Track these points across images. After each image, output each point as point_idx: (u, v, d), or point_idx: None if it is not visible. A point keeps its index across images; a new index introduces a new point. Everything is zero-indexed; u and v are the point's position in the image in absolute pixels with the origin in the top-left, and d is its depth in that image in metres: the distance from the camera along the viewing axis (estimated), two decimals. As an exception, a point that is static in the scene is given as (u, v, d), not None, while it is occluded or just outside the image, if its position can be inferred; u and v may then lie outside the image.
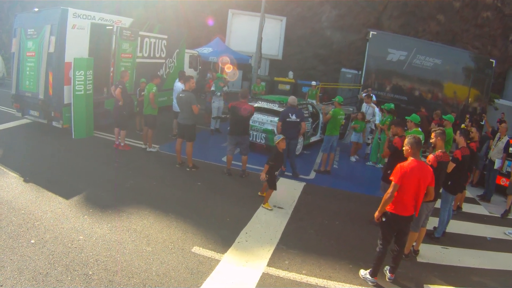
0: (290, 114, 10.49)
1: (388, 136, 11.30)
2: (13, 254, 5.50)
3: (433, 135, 7.07)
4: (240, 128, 10.13)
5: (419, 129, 9.66)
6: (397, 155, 7.86)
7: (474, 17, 24.57)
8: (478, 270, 7.09)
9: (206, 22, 25.61)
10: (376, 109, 14.36)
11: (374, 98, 17.02)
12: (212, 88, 14.96)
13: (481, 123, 17.03)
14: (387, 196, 5.72)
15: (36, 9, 12.31)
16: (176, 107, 12.28)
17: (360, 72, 22.97)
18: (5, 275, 5.01)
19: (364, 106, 14.63)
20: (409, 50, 21.62)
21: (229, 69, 19.20)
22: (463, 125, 15.02)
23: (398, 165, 5.79)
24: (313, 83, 20.27)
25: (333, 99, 12.51)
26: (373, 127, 14.25)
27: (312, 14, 25.75)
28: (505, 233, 9.05)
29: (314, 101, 17.46)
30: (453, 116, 11.72)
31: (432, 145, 7.24)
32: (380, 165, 12.99)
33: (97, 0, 23.40)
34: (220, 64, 21.04)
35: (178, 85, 12.27)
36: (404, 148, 6.09)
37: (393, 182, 5.69)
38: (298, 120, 10.54)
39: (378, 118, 14.05)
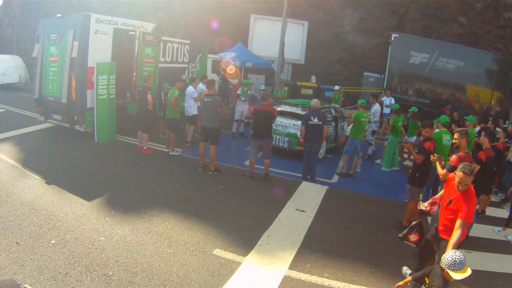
0: (312, 117, 10.34)
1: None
2: (33, 253, 5.49)
3: (457, 135, 6.88)
4: (263, 131, 10.03)
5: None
6: (428, 159, 7.72)
7: (496, 18, 24.09)
8: (501, 275, 6.84)
9: (227, 27, 25.65)
10: (377, 106, 14.31)
11: (393, 101, 16.87)
12: (238, 92, 15.04)
13: (504, 125, 16.63)
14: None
15: (59, 15, 12.49)
16: (188, 112, 12.32)
17: (382, 76, 22.75)
18: (25, 274, 5.00)
19: (373, 108, 14.47)
20: (432, 52, 21.33)
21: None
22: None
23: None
24: (336, 87, 20.15)
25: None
26: (375, 128, 14.15)
27: (333, 18, 25.61)
28: (494, 231, 8.73)
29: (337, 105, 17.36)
30: (476, 118, 11.48)
31: (455, 146, 7.05)
32: (393, 168, 12.80)
33: (118, 6, 23.71)
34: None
35: (191, 89, 12.30)
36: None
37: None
38: (320, 123, 10.35)
39: (377, 115, 14.08)
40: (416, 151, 8.14)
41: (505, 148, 9.81)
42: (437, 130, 9.82)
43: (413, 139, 12.87)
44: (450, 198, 5.22)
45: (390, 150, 12.64)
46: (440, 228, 5.48)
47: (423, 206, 6.26)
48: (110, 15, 12.96)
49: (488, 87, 21.74)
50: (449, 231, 5.08)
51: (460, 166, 5.02)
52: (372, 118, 13.95)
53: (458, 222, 4.98)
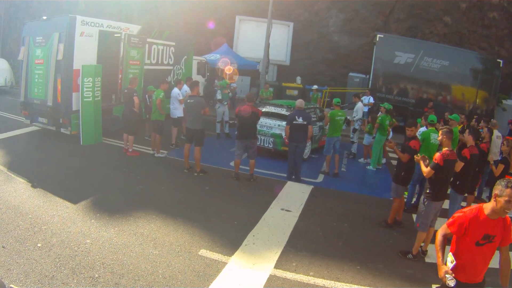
0: (297, 117, 10.44)
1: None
2: (19, 257, 5.51)
3: (440, 133, 7.01)
4: (248, 132, 10.12)
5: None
6: (413, 157, 7.86)
7: (480, 18, 24.39)
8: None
9: (214, 29, 25.68)
10: (360, 104, 14.54)
11: (372, 100, 17.06)
12: (219, 97, 15.03)
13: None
14: None
15: (45, 17, 12.46)
16: (173, 114, 12.37)
17: (368, 76, 22.91)
18: (11, 278, 5.02)
19: (356, 106, 14.69)
20: (416, 52, 21.48)
21: (229, 71, 19.23)
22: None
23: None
24: (315, 87, 20.39)
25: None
26: (356, 126, 14.36)
27: (319, 19, 25.74)
28: None
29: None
30: (461, 117, 11.60)
31: (439, 143, 7.17)
32: (371, 167, 12.96)
33: (104, 8, 23.62)
34: (220, 67, 21.08)
35: (176, 91, 12.36)
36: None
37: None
38: (305, 123, 10.46)
39: (360, 113, 14.23)
40: (400, 150, 8.25)
41: (489, 149, 9.83)
42: (423, 128, 9.97)
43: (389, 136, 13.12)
44: (489, 234, 4.09)
45: (376, 149, 12.77)
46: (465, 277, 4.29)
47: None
48: (97, 17, 12.94)
49: (474, 86, 21.97)
50: (479, 274, 4.36)
51: (503, 183, 3.92)
52: (354, 117, 14.13)
53: (505, 250, 4.32)
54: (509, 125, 19.07)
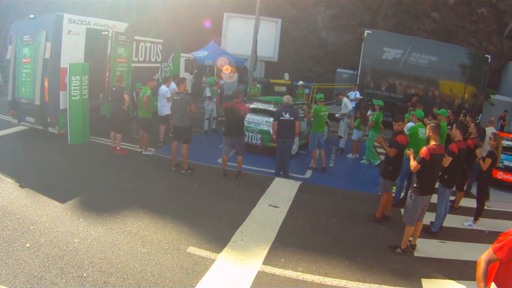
0: (283, 113, 10.49)
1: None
2: (8, 258, 5.52)
3: (428, 128, 7.08)
4: (235, 128, 10.16)
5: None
6: (401, 152, 7.98)
7: (469, 14, 24.58)
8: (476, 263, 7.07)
9: (202, 25, 25.65)
10: (346, 100, 14.73)
11: (358, 94, 17.21)
12: (208, 94, 15.06)
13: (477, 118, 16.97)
14: None
15: (32, 16, 12.36)
16: (161, 111, 12.37)
17: (356, 72, 23.01)
18: (0, 278, 5.03)
19: (343, 103, 14.88)
20: (404, 48, 21.61)
21: (227, 70, 19.25)
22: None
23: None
24: (300, 83, 20.51)
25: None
26: (344, 118, 14.54)
27: (306, 15, 25.78)
28: (463, 225, 8.97)
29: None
30: (448, 111, 11.70)
31: (427, 138, 7.25)
32: (376, 162, 13.06)
33: (92, 5, 23.47)
34: (218, 67, 21.08)
35: (164, 88, 12.36)
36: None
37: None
38: (292, 118, 10.51)
39: (344, 109, 14.42)
40: (388, 145, 8.33)
41: (476, 145, 9.71)
42: (411, 124, 10.06)
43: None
44: None
45: (370, 144, 13.04)
46: None
47: None
48: (84, 15, 12.86)
49: (462, 82, 22.14)
50: None
51: None
52: (342, 112, 14.28)
53: None
54: (499, 121, 19.29)
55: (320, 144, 11.70)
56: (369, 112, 13.54)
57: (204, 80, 19.08)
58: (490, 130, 11.10)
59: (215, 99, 15.04)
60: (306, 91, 21.78)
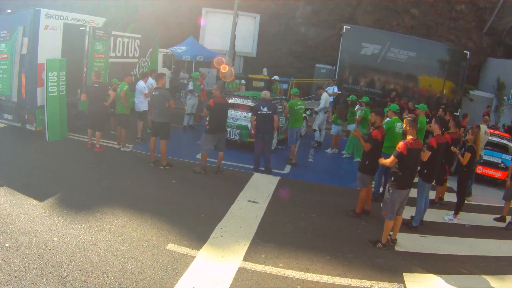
0: (261, 107, 10.57)
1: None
2: (-13, 258, 5.49)
3: (405, 122, 7.18)
4: (222, 124, 10.25)
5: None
6: (376, 146, 8.10)
7: (448, 11, 24.93)
8: (458, 257, 7.25)
9: (181, 20, 25.51)
10: (325, 95, 14.90)
11: (336, 89, 17.38)
12: (190, 88, 15.04)
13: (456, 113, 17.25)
14: None
15: (9, 11, 12.17)
16: (139, 107, 12.35)
17: (334, 67, 23.16)
18: (-21, 280, 5.01)
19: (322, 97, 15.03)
20: (383, 43, 21.85)
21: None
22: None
23: None
24: (275, 77, 20.68)
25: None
26: (321, 113, 14.70)
27: (286, 10, 25.82)
28: (443, 219, 9.17)
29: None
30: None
31: (403, 132, 7.36)
32: (357, 159, 13.20)
33: (71, 1, 23.11)
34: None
35: (141, 84, 12.31)
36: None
37: None
38: (270, 112, 10.59)
39: (322, 103, 14.59)
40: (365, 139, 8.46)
41: (455, 140, 9.62)
42: (389, 119, 10.22)
43: (352, 126, 13.56)
44: None
45: (352, 137, 13.23)
46: None
47: None
48: (61, 10, 12.68)
49: (441, 77, 22.47)
50: None
51: None
52: (319, 107, 14.48)
53: None
54: (483, 117, 19.65)
55: (297, 138, 11.91)
56: (357, 107, 13.69)
57: (182, 76, 19.00)
58: (483, 128, 11.33)
59: (196, 94, 15.01)
60: (283, 86, 21.92)
